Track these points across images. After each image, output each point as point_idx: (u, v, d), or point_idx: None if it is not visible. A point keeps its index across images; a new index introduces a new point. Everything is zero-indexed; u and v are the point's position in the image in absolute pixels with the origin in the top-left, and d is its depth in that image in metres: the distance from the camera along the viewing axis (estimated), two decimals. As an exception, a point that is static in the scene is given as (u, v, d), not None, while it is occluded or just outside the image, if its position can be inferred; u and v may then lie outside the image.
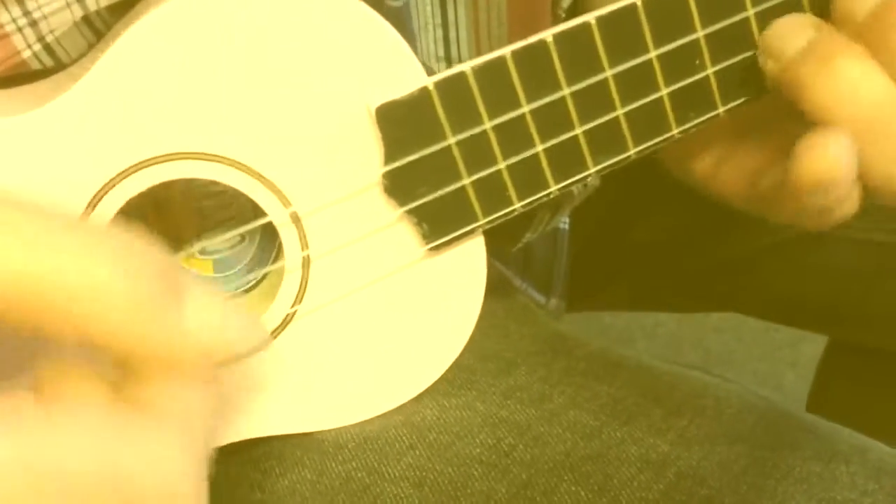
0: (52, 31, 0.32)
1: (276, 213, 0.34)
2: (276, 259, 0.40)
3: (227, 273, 0.40)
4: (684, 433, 0.38)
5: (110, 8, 0.32)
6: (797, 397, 0.82)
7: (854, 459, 0.38)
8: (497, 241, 0.37)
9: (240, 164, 0.33)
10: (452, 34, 0.40)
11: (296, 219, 0.34)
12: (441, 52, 0.41)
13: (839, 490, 0.37)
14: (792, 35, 0.34)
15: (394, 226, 0.35)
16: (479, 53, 0.36)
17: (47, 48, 0.32)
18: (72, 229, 0.20)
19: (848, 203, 0.34)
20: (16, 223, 0.19)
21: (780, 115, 0.36)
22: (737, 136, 0.39)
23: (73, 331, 0.19)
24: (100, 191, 0.32)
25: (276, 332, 0.36)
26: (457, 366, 0.40)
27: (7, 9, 0.31)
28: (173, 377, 0.21)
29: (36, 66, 0.33)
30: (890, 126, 0.32)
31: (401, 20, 0.38)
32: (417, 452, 0.38)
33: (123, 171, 0.32)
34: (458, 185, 0.34)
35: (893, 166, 0.33)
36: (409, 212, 0.35)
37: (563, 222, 0.59)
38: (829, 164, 0.32)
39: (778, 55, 0.34)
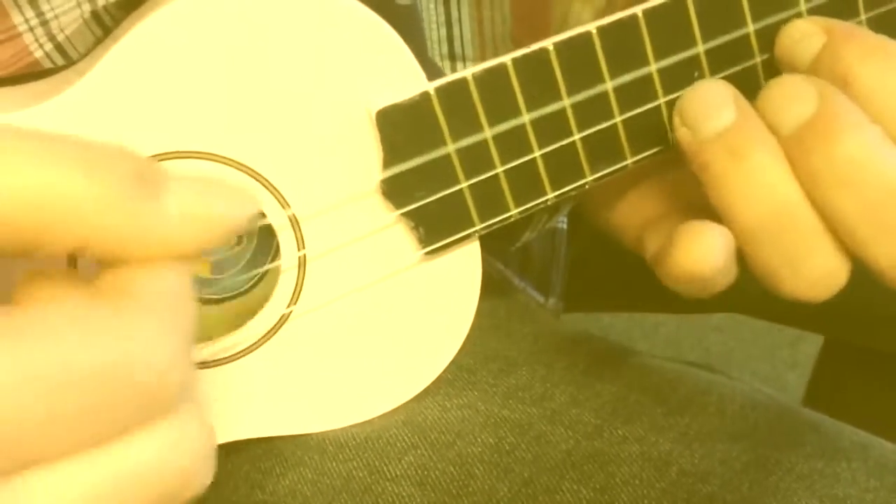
0: (62, 30, 0.32)
1: (274, 215, 0.34)
2: (274, 258, 0.40)
3: (225, 274, 0.40)
4: (686, 431, 0.38)
5: (119, 4, 0.32)
6: (797, 397, 0.82)
7: (856, 456, 0.38)
8: (496, 240, 0.37)
9: (240, 164, 0.33)
10: (456, 32, 0.40)
11: (294, 221, 0.34)
12: (445, 50, 0.41)
13: (841, 487, 0.37)
14: (712, 109, 0.33)
15: (390, 228, 0.35)
16: (483, 51, 0.36)
17: (59, 47, 0.32)
18: (25, 139, 0.20)
19: (713, 287, 0.34)
20: None
21: (675, 162, 0.36)
22: (632, 176, 0.38)
23: (48, 240, 0.20)
24: None
25: (271, 332, 0.36)
26: (458, 365, 0.40)
27: (21, 11, 0.31)
28: (151, 265, 0.21)
29: (48, 65, 0.33)
30: (785, 230, 0.32)
31: (411, 19, 0.38)
32: (419, 452, 0.38)
33: None
34: (454, 189, 0.34)
35: (777, 265, 0.33)
36: (406, 215, 0.35)
37: (562, 222, 0.59)
38: (703, 261, 0.32)
39: (693, 126, 0.33)
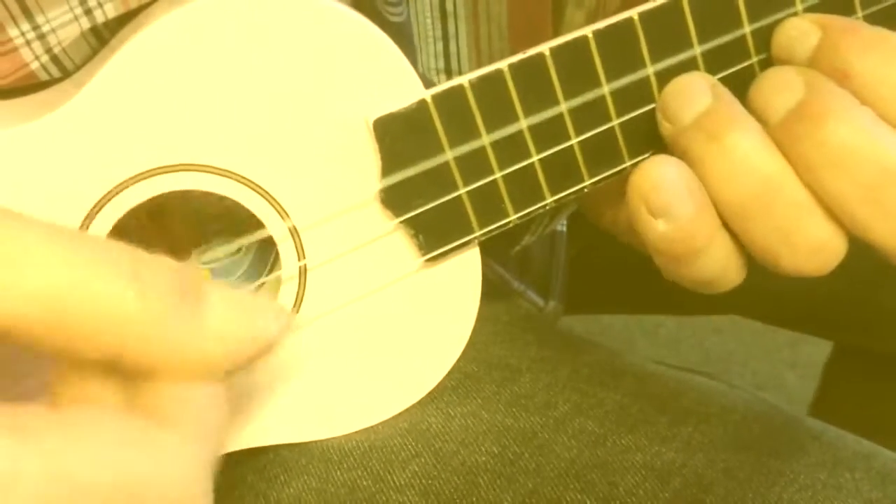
0: (59, 43, 0.32)
1: (274, 226, 0.34)
2: (273, 266, 0.40)
3: (225, 281, 0.40)
4: (689, 440, 0.38)
5: (118, 19, 0.32)
6: (797, 398, 0.82)
7: (859, 466, 0.38)
8: (496, 243, 0.37)
9: (239, 176, 0.33)
10: (452, 47, 0.40)
11: (294, 231, 0.34)
12: (441, 65, 0.41)
13: (844, 498, 0.37)
14: (688, 99, 0.33)
15: (389, 236, 0.35)
16: (479, 66, 0.36)
17: (54, 59, 0.32)
18: (82, 245, 0.20)
19: (707, 263, 0.34)
20: (27, 242, 0.19)
21: None
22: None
23: (89, 348, 0.20)
24: (99, 201, 0.32)
25: None
26: (462, 372, 0.40)
27: (16, 24, 0.31)
28: (186, 383, 0.21)
29: (44, 76, 0.33)
30: (772, 205, 0.32)
31: (402, 34, 0.38)
32: (423, 460, 0.38)
33: (123, 183, 0.32)
34: (453, 195, 0.34)
35: (772, 241, 0.33)
36: (405, 222, 0.35)
37: (562, 224, 0.59)
38: (652, 176, 0.33)
39: (673, 119, 0.34)
